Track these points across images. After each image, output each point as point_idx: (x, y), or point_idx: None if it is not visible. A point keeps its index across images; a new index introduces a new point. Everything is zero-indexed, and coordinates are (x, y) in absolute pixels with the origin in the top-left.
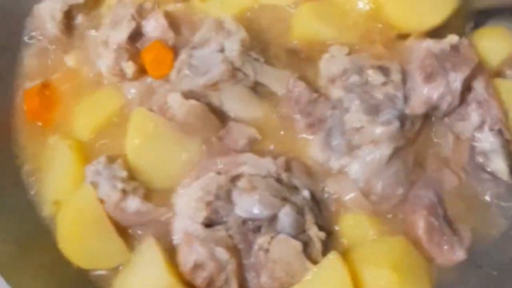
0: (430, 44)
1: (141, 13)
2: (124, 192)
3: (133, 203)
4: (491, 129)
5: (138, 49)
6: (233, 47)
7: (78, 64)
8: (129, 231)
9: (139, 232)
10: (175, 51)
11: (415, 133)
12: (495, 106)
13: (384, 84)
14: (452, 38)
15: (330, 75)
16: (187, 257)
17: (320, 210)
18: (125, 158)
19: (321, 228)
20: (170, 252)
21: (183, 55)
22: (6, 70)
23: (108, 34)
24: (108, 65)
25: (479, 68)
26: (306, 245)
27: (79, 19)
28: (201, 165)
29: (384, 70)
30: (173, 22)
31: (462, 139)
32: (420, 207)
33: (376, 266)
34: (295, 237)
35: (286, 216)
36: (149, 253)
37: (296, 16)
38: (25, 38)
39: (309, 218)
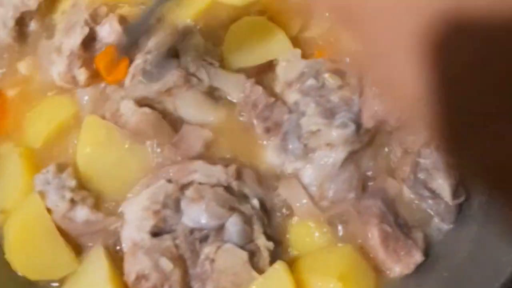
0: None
1: (95, 18)
2: (73, 201)
3: (82, 213)
4: (437, 147)
5: (92, 55)
6: (186, 52)
7: (31, 71)
8: (79, 241)
9: (90, 244)
10: (130, 56)
11: (370, 137)
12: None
13: (340, 87)
14: None
15: (287, 79)
16: (131, 268)
17: (269, 219)
18: (76, 167)
19: (269, 237)
20: (118, 262)
21: (137, 61)
22: None
23: (61, 41)
24: (60, 72)
25: None
26: (253, 255)
27: (32, 25)
28: (152, 173)
29: (340, 73)
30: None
31: (408, 153)
32: (371, 217)
33: (323, 275)
34: (242, 247)
35: (233, 225)
36: (95, 262)
37: None
38: None
39: (257, 227)
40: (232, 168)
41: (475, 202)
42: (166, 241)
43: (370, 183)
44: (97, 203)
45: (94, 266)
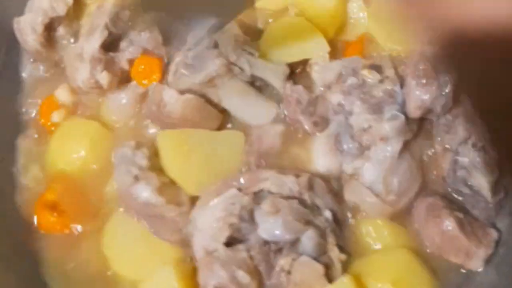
0: (424, 48)
1: (115, 22)
2: (136, 178)
3: (144, 192)
4: (474, 145)
5: (113, 57)
6: (226, 42)
7: (69, 97)
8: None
9: (152, 230)
10: (163, 59)
11: (418, 125)
12: (481, 123)
13: (381, 81)
14: None
15: (326, 82)
16: (207, 280)
17: (341, 230)
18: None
19: (341, 249)
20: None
21: (178, 58)
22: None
23: (82, 46)
24: (83, 79)
25: None
26: (327, 267)
27: (60, 31)
28: (222, 181)
29: (377, 68)
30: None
31: (447, 150)
32: (440, 210)
33: (377, 280)
34: (316, 259)
35: (308, 239)
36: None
37: None
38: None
39: (331, 240)
40: (304, 179)
41: None
42: (241, 252)
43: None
44: (162, 188)
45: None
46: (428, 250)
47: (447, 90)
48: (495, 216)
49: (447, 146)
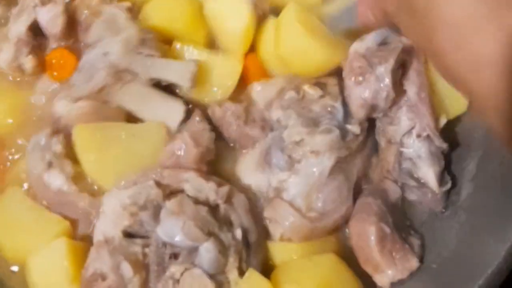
0: (356, 45)
1: (45, 2)
2: (50, 165)
3: (57, 180)
4: (418, 135)
5: (41, 43)
6: (114, 50)
7: None
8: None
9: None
10: (78, 50)
11: (359, 145)
12: (425, 112)
13: (321, 97)
14: (381, 33)
15: (267, 99)
16: (91, 263)
17: (248, 254)
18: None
19: (242, 273)
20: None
21: (82, 60)
22: None
23: (10, 27)
24: (6, 59)
25: (409, 52)
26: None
27: None
28: (143, 172)
29: (320, 85)
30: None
31: (392, 143)
32: (369, 214)
33: (300, 286)
34: (212, 275)
35: (206, 252)
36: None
37: None
38: None
39: (232, 260)
40: (224, 190)
41: (463, 192)
42: (136, 246)
43: (365, 186)
44: (76, 177)
45: (54, 257)
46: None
47: (386, 81)
48: (442, 207)
49: (391, 139)
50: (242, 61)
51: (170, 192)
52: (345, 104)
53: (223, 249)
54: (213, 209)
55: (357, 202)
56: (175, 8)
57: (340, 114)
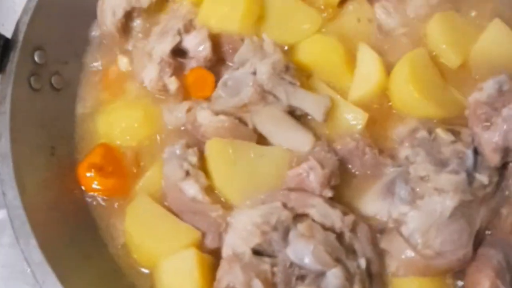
0: (476, 95)
1: (188, 28)
2: (187, 174)
3: (192, 189)
4: None
5: (182, 64)
6: (263, 70)
7: (129, 68)
8: (180, 217)
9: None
10: (217, 72)
11: (486, 195)
12: None
13: (453, 142)
14: (499, 79)
15: (400, 136)
16: (224, 276)
17: (371, 283)
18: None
19: None
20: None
21: (225, 76)
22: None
23: (153, 45)
24: (151, 79)
25: None
26: None
27: (138, 22)
28: (270, 192)
29: (454, 132)
30: (216, 42)
31: None
32: (487, 267)
33: None
34: None
35: (334, 277)
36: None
37: None
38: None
39: None
40: (350, 219)
41: None
42: (265, 264)
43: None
44: (208, 190)
45: (185, 266)
46: None
47: None
48: None
49: None
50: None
51: (296, 215)
52: (476, 153)
53: (349, 277)
54: (339, 236)
55: (478, 250)
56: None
57: (470, 161)
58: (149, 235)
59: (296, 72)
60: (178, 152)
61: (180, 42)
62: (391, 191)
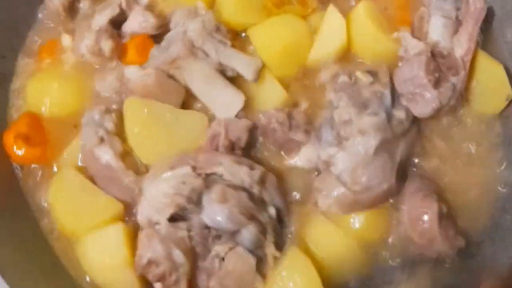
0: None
1: (130, 3)
2: (102, 140)
3: (106, 155)
4: None
5: (119, 33)
6: (192, 27)
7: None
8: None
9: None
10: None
11: (403, 131)
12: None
13: (372, 83)
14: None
15: (322, 82)
16: (144, 252)
17: (282, 228)
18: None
19: (278, 246)
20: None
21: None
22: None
23: (93, 19)
24: (88, 44)
25: (473, 12)
26: (260, 261)
27: (84, 4)
28: (179, 156)
29: (372, 73)
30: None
31: None
32: (431, 192)
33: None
34: (252, 251)
35: (248, 233)
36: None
37: None
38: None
39: (269, 237)
40: (257, 173)
41: None
42: (181, 231)
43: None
44: (123, 155)
45: (111, 242)
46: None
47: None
48: None
49: None
50: None
51: (206, 175)
52: (393, 92)
53: (262, 229)
54: (250, 192)
55: (414, 180)
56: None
57: (388, 100)
58: (72, 209)
59: (227, 32)
60: (96, 117)
61: (120, 15)
62: (318, 137)
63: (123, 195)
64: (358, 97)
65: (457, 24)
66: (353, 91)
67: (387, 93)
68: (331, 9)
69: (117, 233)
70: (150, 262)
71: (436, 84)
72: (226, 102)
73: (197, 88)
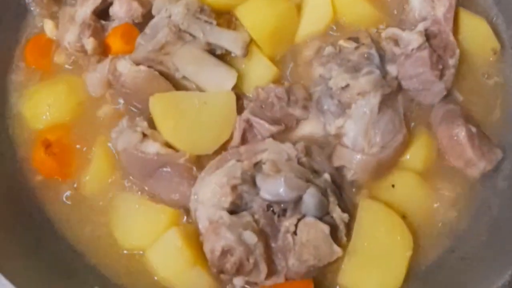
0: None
1: None
2: (144, 135)
3: (153, 147)
4: None
5: (103, 25)
6: (176, 10)
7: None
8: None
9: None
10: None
11: (399, 85)
12: (448, 32)
13: (357, 48)
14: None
15: (307, 58)
16: (215, 244)
17: (341, 192)
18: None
19: (343, 210)
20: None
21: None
22: None
23: (77, 9)
24: (70, 40)
25: None
26: (331, 228)
27: None
28: (219, 157)
29: (354, 39)
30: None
31: None
32: (456, 118)
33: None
34: (320, 219)
35: (311, 197)
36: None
37: None
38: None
39: (332, 200)
40: (301, 145)
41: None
42: (245, 217)
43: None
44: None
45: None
46: None
47: None
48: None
49: None
50: None
51: (254, 164)
52: (379, 50)
53: (323, 192)
54: (299, 162)
55: (438, 109)
56: None
57: (376, 58)
58: (130, 225)
59: (212, 12)
60: (125, 125)
61: (104, 3)
62: (320, 109)
63: (182, 176)
64: (348, 63)
65: None
66: (341, 59)
67: (373, 52)
68: None
69: (174, 237)
70: (224, 252)
71: (441, 76)
72: (219, 79)
73: (189, 71)
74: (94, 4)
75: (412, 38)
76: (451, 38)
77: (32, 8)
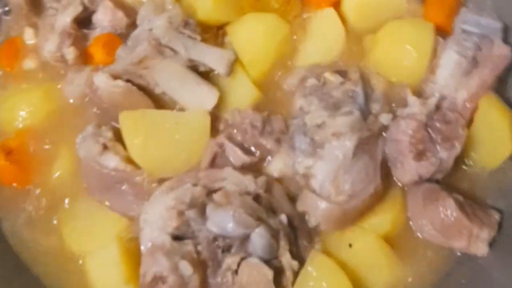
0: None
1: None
2: (105, 147)
3: (112, 161)
4: None
5: (85, 34)
6: (158, 23)
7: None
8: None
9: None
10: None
11: (381, 126)
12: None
13: (342, 83)
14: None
15: (291, 87)
16: (148, 268)
17: (296, 237)
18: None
19: (294, 256)
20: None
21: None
22: None
23: (57, 18)
24: (50, 50)
25: (496, 58)
26: (277, 273)
27: None
28: (178, 177)
29: (341, 73)
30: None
31: None
32: (436, 192)
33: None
34: (266, 262)
35: (259, 237)
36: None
37: None
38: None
39: (283, 244)
40: (262, 180)
41: None
42: (188, 245)
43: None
44: (130, 162)
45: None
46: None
47: None
48: None
49: None
50: None
51: (210, 191)
52: (365, 88)
53: (274, 234)
54: (256, 198)
55: (412, 195)
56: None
57: (360, 98)
58: (79, 231)
59: (197, 26)
60: (91, 131)
61: (86, 12)
62: (292, 146)
63: (137, 196)
64: (329, 98)
65: (473, 65)
66: (323, 93)
67: (359, 90)
68: (329, 12)
69: (114, 250)
70: (155, 278)
71: (418, 156)
72: (200, 98)
73: (168, 87)
74: (74, 12)
75: (414, 104)
76: (461, 131)
77: (7, 18)
